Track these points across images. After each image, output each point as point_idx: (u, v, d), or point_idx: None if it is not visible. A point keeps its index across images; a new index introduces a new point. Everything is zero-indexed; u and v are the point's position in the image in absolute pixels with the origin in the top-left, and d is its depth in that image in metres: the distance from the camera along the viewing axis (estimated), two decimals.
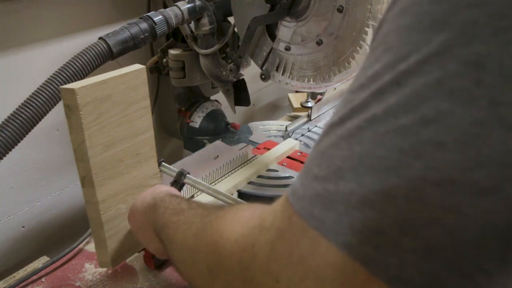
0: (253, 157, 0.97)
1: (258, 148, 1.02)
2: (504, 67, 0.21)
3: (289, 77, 0.85)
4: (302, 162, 0.97)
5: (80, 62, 0.68)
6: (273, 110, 1.66)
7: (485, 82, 0.22)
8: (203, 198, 0.82)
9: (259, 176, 0.93)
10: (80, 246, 0.87)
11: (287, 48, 0.82)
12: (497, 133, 0.21)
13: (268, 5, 0.78)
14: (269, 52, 0.85)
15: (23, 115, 0.62)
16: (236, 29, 0.89)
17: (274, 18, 0.80)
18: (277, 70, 0.86)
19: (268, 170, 0.95)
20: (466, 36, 0.22)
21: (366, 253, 0.24)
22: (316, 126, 1.17)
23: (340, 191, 0.25)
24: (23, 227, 0.94)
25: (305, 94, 1.42)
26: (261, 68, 0.87)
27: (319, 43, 0.77)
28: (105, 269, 0.80)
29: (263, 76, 0.87)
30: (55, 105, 0.66)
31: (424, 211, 0.23)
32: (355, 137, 0.26)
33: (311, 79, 0.82)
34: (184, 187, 0.73)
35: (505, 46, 0.21)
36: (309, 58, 0.81)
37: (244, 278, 0.31)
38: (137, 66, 0.62)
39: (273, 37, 0.84)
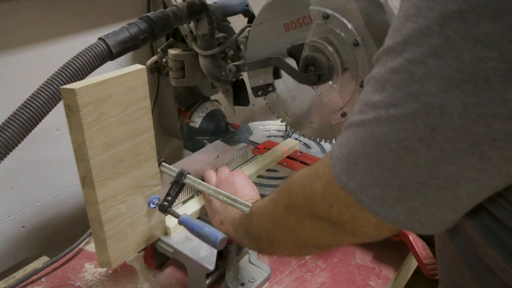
0: (253, 157, 0.97)
1: (258, 148, 1.02)
2: None
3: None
4: (302, 162, 0.97)
5: (80, 62, 0.67)
6: None
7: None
8: (202, 198, 0.82)
9: (259, 176, 0.93)
10: (80, 246, 0.87)
11: (293, 98, 0.85)
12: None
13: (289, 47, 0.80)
14: (266, 85, 0.87)
15: (23, 116, 0.62)
16: (242, 35, 0.90)
17: (297, 77, 0.81)
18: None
19: (268, 170, 0.95)
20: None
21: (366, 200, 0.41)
22: None
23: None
24: (23, 227, 0.94)
25: None
26: (251, 88, 0.89)
27: (344, 115, 0.80)
28: (105, 269, 0.80)
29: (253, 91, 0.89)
30: (55, 105, 0.65)
31: None
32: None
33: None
34: (184, 187, 0.73)
35: None
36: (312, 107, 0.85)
37: (307, 207, 0.48)
38: (137, 66, 0.62)
39: (275, 73, 0.86)
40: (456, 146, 0.34)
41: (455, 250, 0.49)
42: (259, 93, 0.89)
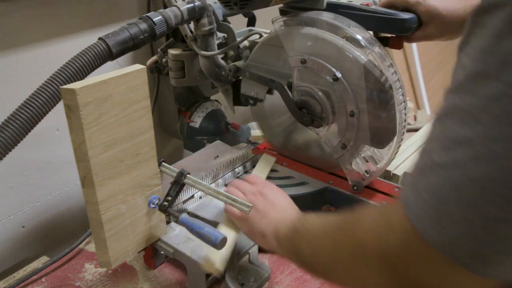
0: (253, 157, 0.97)
1: (258, 148, 1.02)
2: None
3: None
4: (302, 162, 0.97)
5: (80, 62, 0.67)
6: None
7: None
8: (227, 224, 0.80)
9: None
10: (80, 246, 0.87)
11: (277, 115, 0.90)
12: None
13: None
14: (256, 98, 0.90)
15: (23, 116, 0.62)
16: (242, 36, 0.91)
17: (292, 112, 0.83)
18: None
19: None
20: None
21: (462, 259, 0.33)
22: None
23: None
24: (23, 227, 0.94)
25: None
26: (241, 94, 0.91)
27: (344, 147, 0.82)
28: (105, 269, 0.80)
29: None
30: (55, 105, 0.66)
31: None
32: None
33: None
34: (184, 187, 0.73)
35: None
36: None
37: (384, 263, 0.40)
38: (137, 66, 0.62)
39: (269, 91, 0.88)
40: None
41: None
42: (248, 101, 0.92)
